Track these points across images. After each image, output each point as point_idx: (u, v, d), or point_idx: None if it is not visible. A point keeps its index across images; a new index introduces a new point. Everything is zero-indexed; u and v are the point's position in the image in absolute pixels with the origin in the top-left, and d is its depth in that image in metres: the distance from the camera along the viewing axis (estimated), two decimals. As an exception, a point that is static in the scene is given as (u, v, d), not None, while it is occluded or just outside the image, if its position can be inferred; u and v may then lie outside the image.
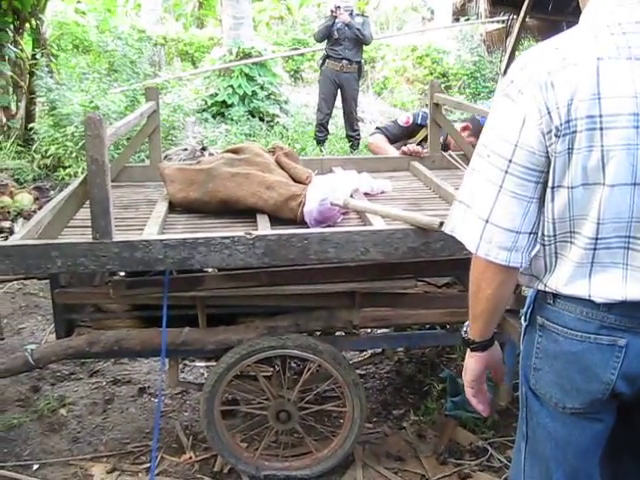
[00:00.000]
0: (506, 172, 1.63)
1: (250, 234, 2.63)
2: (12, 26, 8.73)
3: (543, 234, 1.70)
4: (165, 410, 3.78)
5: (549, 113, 1.57)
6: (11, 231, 6.29)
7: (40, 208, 6.21)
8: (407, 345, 3.82)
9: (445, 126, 4.08)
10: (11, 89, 9.09)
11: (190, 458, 3.36)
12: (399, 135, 4.61)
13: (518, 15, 8.89)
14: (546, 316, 1.77)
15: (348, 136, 9.96)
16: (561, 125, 1.56)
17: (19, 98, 9.11)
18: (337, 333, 3.40)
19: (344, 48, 9.50)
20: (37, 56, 8.97)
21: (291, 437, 3.33)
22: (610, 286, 1.64)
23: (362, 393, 3.10)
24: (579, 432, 1.79)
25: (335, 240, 2.67)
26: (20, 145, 8.68)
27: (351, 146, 9.80)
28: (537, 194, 1.65)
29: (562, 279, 1.69)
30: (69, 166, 7.90)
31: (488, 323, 1.83)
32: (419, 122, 4.56)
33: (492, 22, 11.55)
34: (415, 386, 3.99)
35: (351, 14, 9.50)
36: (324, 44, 9.81)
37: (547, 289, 1.73)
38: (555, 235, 1.68)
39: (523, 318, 1.89)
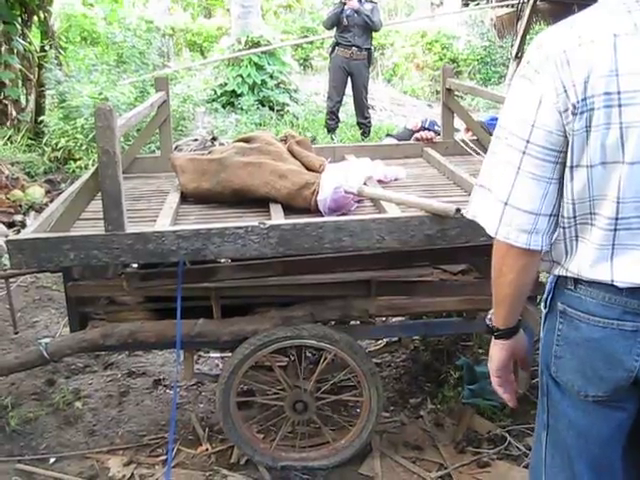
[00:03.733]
0: (524, 153, 1.60)
1: (264, 224, 2.61)
2: (20, 19, 8.70)
3: (563, 216, 1.66)
4: (181, 402, 3.77)
5: (565, 91, 1.54)
6: (23, 224, 6.28)
7: (51, 201, 6.20)
8: (424, 333, 3.80)
9: (457, 111, 4.04)
10: (20, 82, 9.06)
11: (206, 450, 3.35)
12: (409, 138, 4.64)
13: (529, -2, 8.84)
14: (567, 302, 1.72)
15: (359, 123, 9.90)
16: (578, 103, 1.53)
17: (28, 91, 9.09)
18: (353, 322, 3.37)
19: (353, 35, 9.42)
20: (45, 49, 8.94)
21: (308, 427, 3.32)
22: (633, 269, 1.60)
23: (379, 382, 3.08)
24: (602, 421, 1.75)
25: (350, 228, 2.64)
26: (30, 138, 8.66)
27: (362, 133, 9.75)
28: (556, 175, 1.62)
29: (584, 263, 1.65)
30: (80, 158, 7.89)
31: (512, 309, 1.79)
32: (427, 126, 4.67)
33: (502, 6, 11.49)
34: (431, 374, 3.96)
35: (360, 1, 9.43)
36: (333, 31, 9.75)
37: (568, 274, 1.69)
38: (575, 217, 1.64)
39: (543, 305, 1.84)
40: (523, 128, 1.60)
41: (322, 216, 2.88)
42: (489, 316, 1.87)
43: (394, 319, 3.73)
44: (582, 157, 1.57)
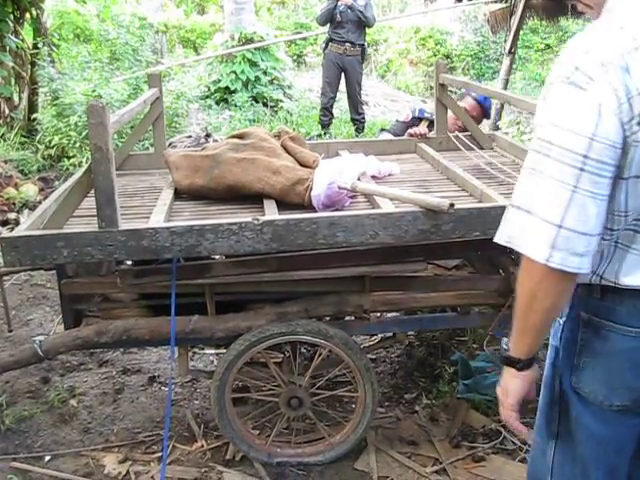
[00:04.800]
0: (582, 170, 1.46)
1: (258, 220, 2.60)
2: (12, 16, 8.65)
3: (608, 228, 1.57)
4: (175, 399, 3.77)
5: (629, 100, 1.43)
6: (17, 222, 6.27)
7: (45, 199, 6.19)
8: (418, 328, 3.80)
9: (451, 107, 4.04)
10: (13, 80, 9.02)
11: (202, 446, 3.36)
12: (403, 131, 4.66)
13: (522, -7, 8.83)
14: (592, 312, 1.66)
15: (353, 119, 9.91)
16: None
17: (21, 89, 9.06)
18: (347, 318, 3.37)
19: (347, 31, 9.43)
20: (38, 46, 8.91)
21: (303, 423, 3.32)
22: None
23: (374, 378, 3.08)
24: (623, 428, 1.73)
25: (344, 224, 2.64)
26: (24, 136, 8.63)
27: (356, 129, 9.75)
28: (609, 190, 1.50)
29: (622, 269, 1.59)
30: (73, 156, 7.87)
31: (540, 338, 1.68)
32: (417, 115, 4.70)
33: (495, 2, 11.46)
34: (426, 370, 3.96)
35: (353, -4, 9.43)
36: (327, 27, 9.74)
37: (602, 282, 1.63)
38: (618, 230, 1.58)
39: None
40: (579, 142, 1.46)
41: (316, 212, 2.88)
42: (504, 346, 1.76)
43: (389, 314, 3.74)
44: None
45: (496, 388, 1.82)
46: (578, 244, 1.50)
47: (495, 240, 1.64)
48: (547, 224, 1.50)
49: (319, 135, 9.62)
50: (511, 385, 1.74)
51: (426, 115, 4.53)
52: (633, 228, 1.58)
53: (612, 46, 1.45)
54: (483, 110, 4.63)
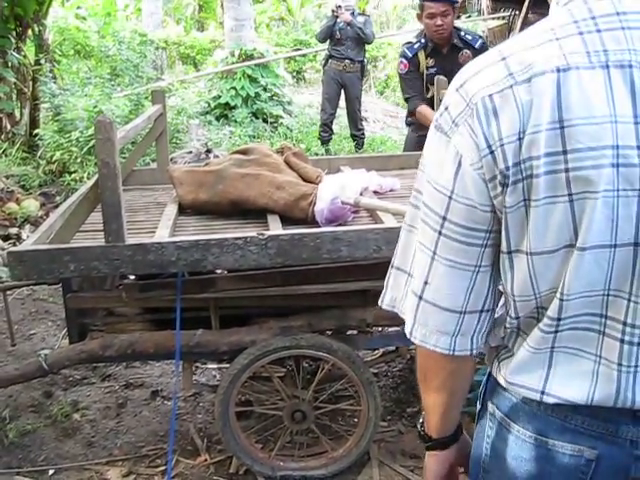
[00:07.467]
0: (440, 233, 1.20)
1: (262, 234, 2.63)
2: (15, 33, 8.72)
3: (507, 312, 1.27)
4: (179, 413, 3.77)
5: (492, 152, 1.12)
6: (18, 237, 6.30)
7: (47, 214, 6.24)
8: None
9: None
10: (15, 95, 9.10)
11: (205, 460, 3.36)
12: (418, 79, 4.84)
13: (520, 10, 8.92)
14: (496, 403, 1.34)
15: (352, 135, 9.94)
16: (508, 169, 1.11)
17: (23, 104, 9.12)
18: (350, 332, 3.39)
19: (346, 48, 9.48)
20: (40, 62, 8.97)
21: (306, 437, 3.33)
22: (574, 384, 1.21)
23: (377, 391, 3.10)
24: None
25: (347, 239, 2.67)
26: (25, 151, 8.67)
27: (356, 145, 9.79)
28: (485, 261, 1.21)
29: (513, 363, 1.27)
30: (75, 171, 7.89)
31: (445, 417, 1.40)
32: (411, 56, 4.84)
33: (494, 18, 11.56)
34: (428, 384, 3.97)
35: (352, 13, 9.49)
36: (326, 44, 9.81)
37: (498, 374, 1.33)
38: (518, 317, 1.24)
39: (479, 400, 1.47)
40: (438, 200, 1.20)
41: (319, 227, 2.91)
42: (421, 419, 1.49)
43: (391, 328, 3.76)
44: (521, 241, 1.16)
45: None
46: (442, 321, 1.24)
47: (379, 304, 1.40)
48: (412, 293, 1.28)
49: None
50: (427, 462, 1.48)
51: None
52: (536, 317, 1.23)
53: (483, 81, 1.14)
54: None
